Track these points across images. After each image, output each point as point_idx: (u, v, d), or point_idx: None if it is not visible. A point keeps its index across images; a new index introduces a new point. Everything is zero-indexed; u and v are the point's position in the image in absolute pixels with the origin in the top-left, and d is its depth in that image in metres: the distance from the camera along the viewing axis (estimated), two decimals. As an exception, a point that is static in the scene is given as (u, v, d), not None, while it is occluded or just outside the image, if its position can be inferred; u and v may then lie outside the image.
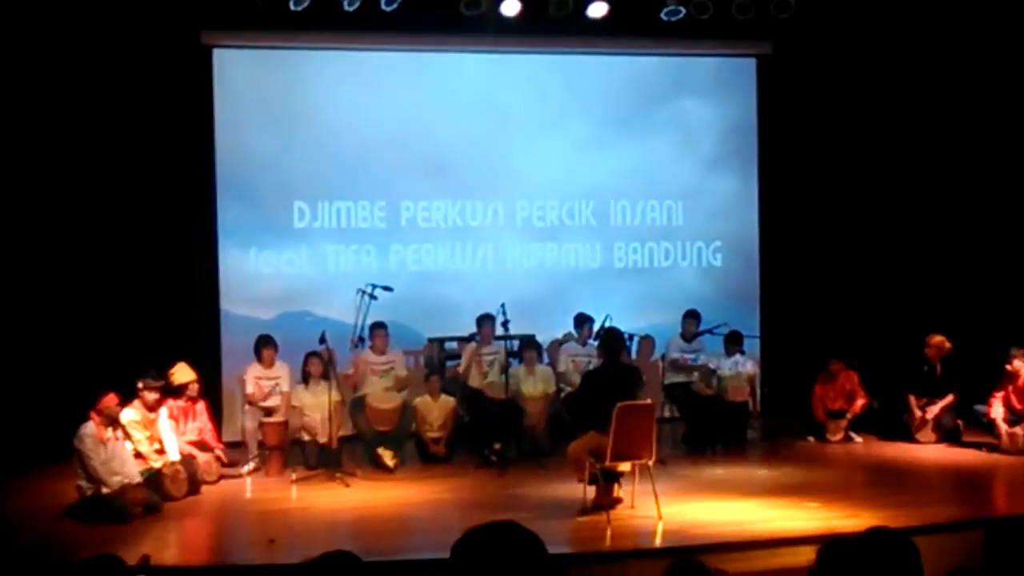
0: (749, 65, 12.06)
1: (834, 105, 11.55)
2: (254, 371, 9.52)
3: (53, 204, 10.03)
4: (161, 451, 8.30)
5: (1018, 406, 9.57)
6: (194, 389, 8.96)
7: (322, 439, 9.15)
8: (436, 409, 9.65)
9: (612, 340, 8.12)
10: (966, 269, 11.22)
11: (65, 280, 10.06)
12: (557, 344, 10.70)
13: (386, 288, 9.64)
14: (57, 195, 10.04)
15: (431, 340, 10.89)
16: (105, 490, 7.46)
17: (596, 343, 9.78)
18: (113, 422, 7.75)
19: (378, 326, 9.72)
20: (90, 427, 7.56)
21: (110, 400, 7.71)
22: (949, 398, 10.05)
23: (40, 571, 5.64)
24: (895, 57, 11.28)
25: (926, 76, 11.23)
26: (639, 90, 11.81)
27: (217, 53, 10.90)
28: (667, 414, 10.51)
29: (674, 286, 11.74)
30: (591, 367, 9.05)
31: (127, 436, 7.99)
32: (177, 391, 8.80)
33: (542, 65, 11.68)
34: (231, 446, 9.57)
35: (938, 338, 10.19)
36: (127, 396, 8.07)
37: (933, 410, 10.03)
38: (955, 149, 11.27)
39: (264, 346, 9.56)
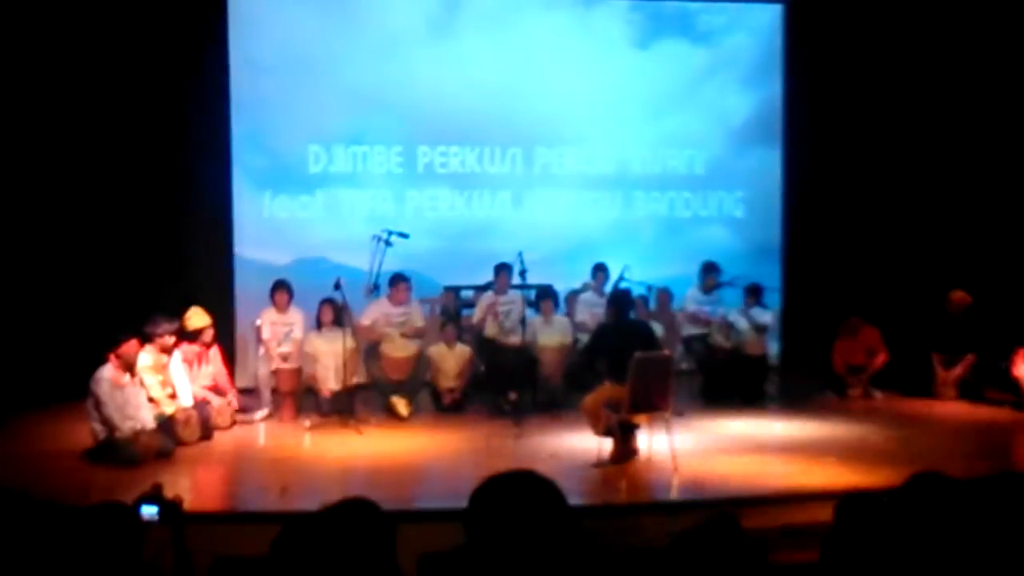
0: (776, 12, 11.82)
1: (861, 56, 11.34)
2: (269, 316, 9.44)
3: (69, 147, 9.98)
4: (174, 396, 8.26)
5: (1042, 363, 9.45)
6: (209, 334, 8.89)
7: (336, 386, 9.08)
8: (451, 358, 9.56)
9: (620, 299, 8.18)
10: (990, 224, 11.08)
11: (81, 223, 10.02)
12: (575, 295, 10.59)
13: (402, 235, 9.55)
14: (73, 138, 9.98)
15: (447, 289, 10.78)
16: (118, 434, 7.42)
17: (607, 293, 9.70)
18: (130, 367, 7.71)
19: (400, 279, 9.55)
20: (108, 371, 7.51)
21: (131, 346, 7.66)
22: (971, 356, 9.92)
23: (49, 514, 5.59)
24: (926, 7, 11.04)
25: (959, 28, 10.99)
26: (662, 37, 11.60)
27: (233, -8, 10.74)
28: (684, 367, 10.42)
29: (694, 237, 11.60)
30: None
31: (140, 381, 7.95)
32: (192, 336, 8.73)
33: (562, 9, 11.45)
34: (244, 392, 9.53)
35: (960, 294, 10.07)
36: (141, 340, 8.00)
37: (956, 371, 9.92)
38: (983, 105, 11.08)
39: (278, 290, 9.46)
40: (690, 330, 10.48)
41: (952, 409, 9.59)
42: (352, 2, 11.08)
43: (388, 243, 9.45)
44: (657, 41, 11.61)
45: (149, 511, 3.81)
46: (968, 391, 9.85)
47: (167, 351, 8.33)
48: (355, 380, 9.23)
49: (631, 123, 11.57)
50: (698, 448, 7.76)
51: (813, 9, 11.53)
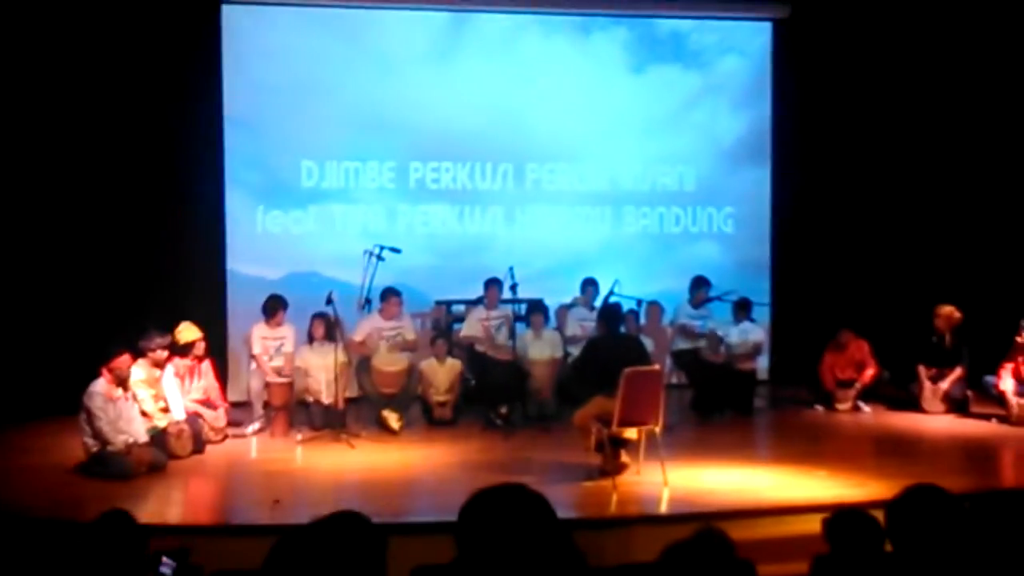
0: (765, 29, 11.90)
1: (850, 71, 11.42)
2: (260, 331, 9.46)
3: (64, 161, 10.00)
4: (166, 410, 8.28)
5: (1028, 377, 9.50)
6: (200, 348, 8.90)
7: (327, 400, 9.11)
8: (442, 372, 9.59)
9: (610, 312, 8.26)
10: (977, 239, 11.16)
11: (73, 236, 10.03)
12: (565, 309, 10.64)
13: (394, 249, 9.59)
14: (68, 152, 10.01)
15: (438, 303, 10.82)
16: (111, 448, 7.43)
17: (597, 308, 9.76)
18: (123, 381, 7.72)
19: (392, 293, 9.63)
20: (101, 385, 7.52)
21: (124, 360, 7.67)
22: (958, 370, 9.97)
23: (47, 529, 5.61)
24: (915, 23, 11.16)
25: (945, 48, 11.10)
26: (652, 54, 11.69)
27: (226, 9, 10.75)
28: (675, 380, 10.47)
29: (684, 252, 11.65)
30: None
31: (133, 395, 7.96)
32: (183, 350, 8.75)
33: (554, 27, 11.52)
34: (236, 406, 9.54)
35: (947, 308, 10.09)
36: (133, 354, 8.02)
37: (943, 385, 9.96)
38: (968, 121, 11.18)
39: (274, 305, 9.48)
40: (680, 344, 10.54)
41: (939, 423, 9.63)
42: (347, 20, 11.12)
43: (380, 258, 9.50)
44: (651, 65, 11.67)
45: (168, 566, 3.84)
46: (955, 405, 9.90)
47: (160, 365, 8.35)
48: (347, 394, 9.26)
49: (623, 142, 11.61)
50: (688, 461, 7.76)
51: (802, 30, 11.60)
